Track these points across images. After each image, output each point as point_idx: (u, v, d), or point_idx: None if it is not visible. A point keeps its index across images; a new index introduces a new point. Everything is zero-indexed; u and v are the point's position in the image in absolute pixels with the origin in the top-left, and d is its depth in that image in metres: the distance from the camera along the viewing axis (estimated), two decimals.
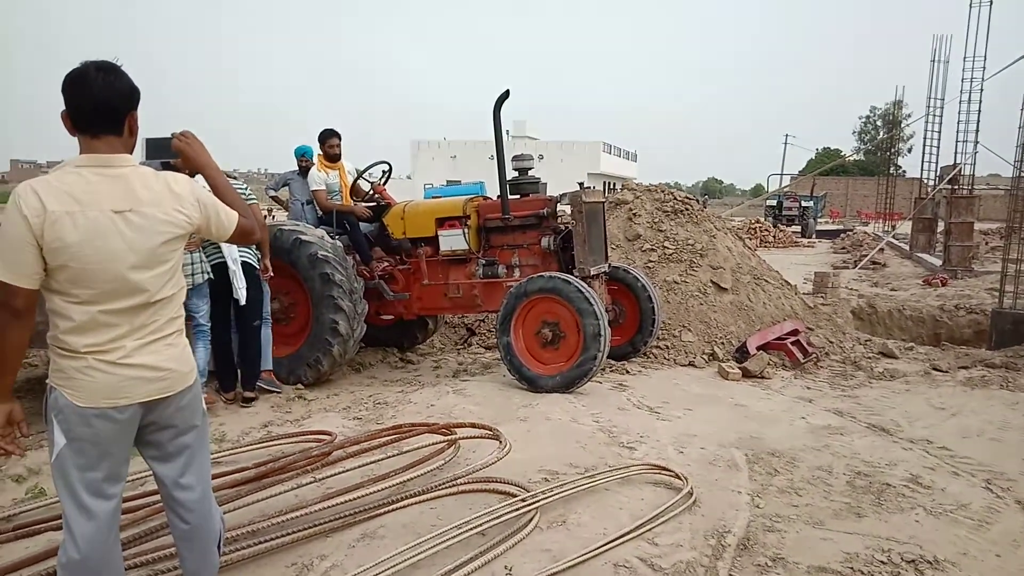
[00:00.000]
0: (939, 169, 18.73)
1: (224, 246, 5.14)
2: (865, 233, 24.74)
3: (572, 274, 5.68)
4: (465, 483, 3.51)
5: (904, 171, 45.91)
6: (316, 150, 7.03)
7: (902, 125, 40.39)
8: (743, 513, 3.36)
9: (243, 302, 5.19)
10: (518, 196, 6.20)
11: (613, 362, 6.22)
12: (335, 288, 5.83)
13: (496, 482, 3.51)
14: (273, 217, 8.35)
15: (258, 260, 5.43)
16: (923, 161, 19.93)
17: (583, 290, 5.32)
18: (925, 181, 20.22)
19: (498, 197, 6.19)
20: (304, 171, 7.32)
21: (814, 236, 28.10)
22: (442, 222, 6.31)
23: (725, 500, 3.51)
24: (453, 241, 6.25)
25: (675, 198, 8.23)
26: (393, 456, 3.72)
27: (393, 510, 3.27)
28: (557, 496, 3.33)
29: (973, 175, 16.42)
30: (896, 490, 3.66)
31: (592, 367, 5.29)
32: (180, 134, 2.35)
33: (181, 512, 2.24)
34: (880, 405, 5.34)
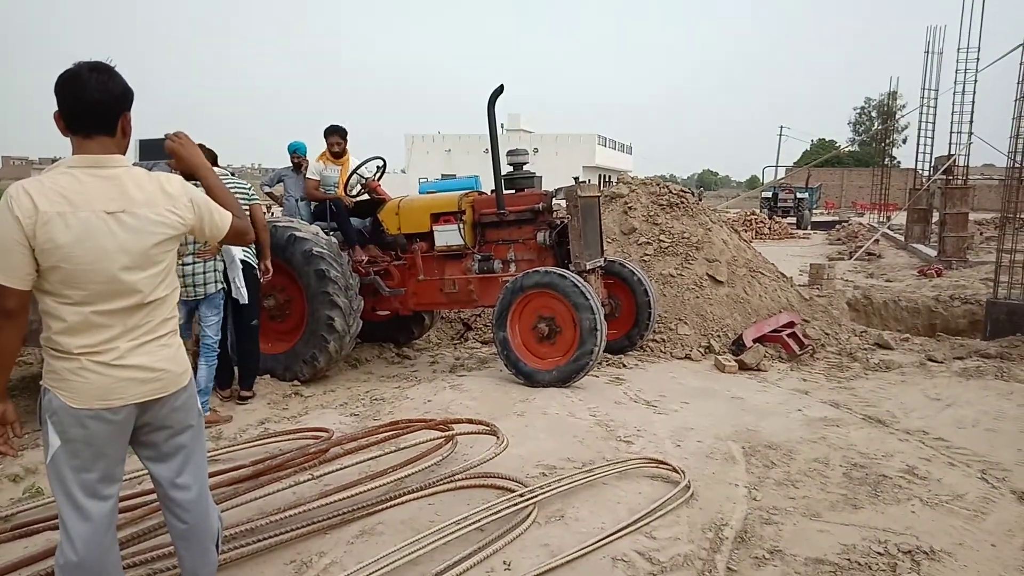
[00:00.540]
0: (934, 160, 18.73)
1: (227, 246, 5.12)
2: (860, 224, 24.80)
3: (568, 269, 5.68)
4: (463, 479, 3.51)
5: (899, 162, 46.00)
6: (310, 146, 7.00)
7: (897, 116, 40.41)
8: (740, 506, 3.37)
9: (244, 301, 5.18)
10: (513, 191, 6.19)
11: (610, 356, 6.23)
12: (330, 284, 5.82)
13: (494, 477, 3.52)
14: (272, 214, 8.30)
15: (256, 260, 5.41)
16: (918, 152, 19.90)
17: (579, 285, 5.32)
18: (920, 172, 20.21)
19: (493, 192, 6.18)
20: (297, 167, 7.30)
21: (809, 228, 28.12)
22: (437, 217, 6.30)
23: (722, 493, 3.52)
24: (448, 236, 6.25)
25: (670, 191, 8.23)
26: (391, 452, 3.72)
27: (391, 506, 3.27)
28: (555, 491, 3.33)
29: (968, 166, 16.37)
30: (892, 481, 3.68)
31: (589, 361, 5.30)
32: (173, 135, 2.35)
33: (178, 512, 2.24)
34: (876, 396, 5.36)
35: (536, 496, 3.24)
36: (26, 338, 2.04)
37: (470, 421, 4.20)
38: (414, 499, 3.35)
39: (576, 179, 6.07)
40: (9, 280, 1.91)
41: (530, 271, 5.60)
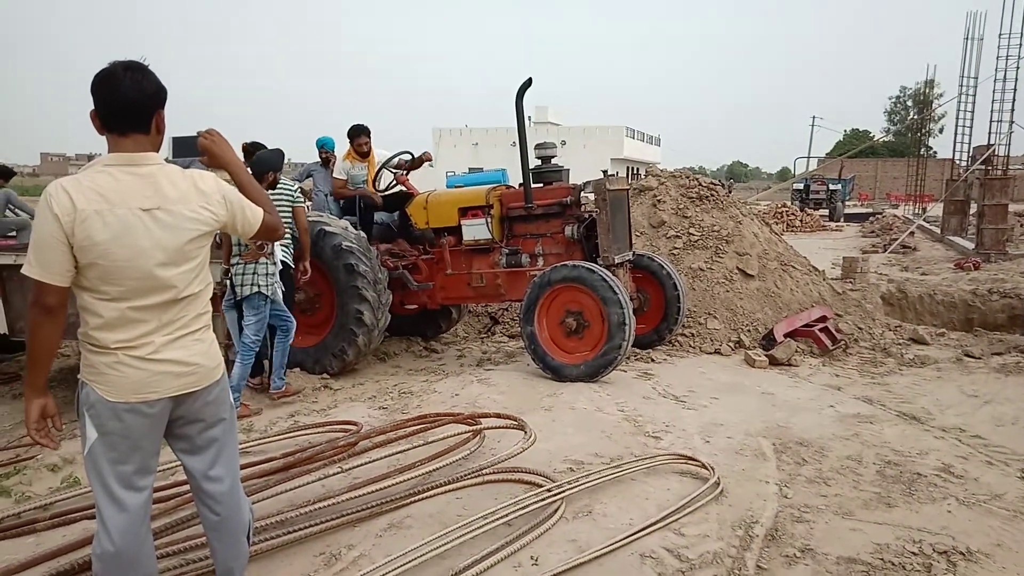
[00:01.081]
0: (972, 150, 18.27)
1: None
2: (895, 216, 24.27)
3: (596, 262, 5.65)
4: (491, 473, 3.52)
5: (935, 152, 44.98)
6: (338, 144, 7.05)
7: (933, 105, 39.47)
8: (771, 503, 3.33)
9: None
10: (541, 184, 6.18)
11: (638, 350, 6.20)
12: (359, 278, 5.87)
13: (521, 472, 3.52)
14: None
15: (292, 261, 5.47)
16: (955, 141, 19.36)
17: (607, 279, 5.30)
18: (957, 162, 19.70)
19: (521, 186, 6.17)
20: (326, 162, 7.35)
21: (842, 220, 27.61)
22: (465, 212, 6.32)
23: (752, 490, 3.48)
24: (476, 231, 6.26)
25: (700, 184, 8.15)
26: (419, 446, 3.75)
27: (419, 500, 3.30)
28: (583, 486, 3.33)
29: (1008, 155, 15.93)
30: (927, 480, 3.61)
31: (617, 356, 5.27)
32: (205, 132, 2.37)
33: (211, 504, 2.27)
34: (911, 393, 5.26)
35: (564, 491, 3.24)
36: (64, 331, 2.09)
37: (498, 415, 4.21)
38: (442, 493, 3.37)
39: (604, 172, 6.03)
40: (49, 277, 1.95)
41: (558, 265, 5.58)
